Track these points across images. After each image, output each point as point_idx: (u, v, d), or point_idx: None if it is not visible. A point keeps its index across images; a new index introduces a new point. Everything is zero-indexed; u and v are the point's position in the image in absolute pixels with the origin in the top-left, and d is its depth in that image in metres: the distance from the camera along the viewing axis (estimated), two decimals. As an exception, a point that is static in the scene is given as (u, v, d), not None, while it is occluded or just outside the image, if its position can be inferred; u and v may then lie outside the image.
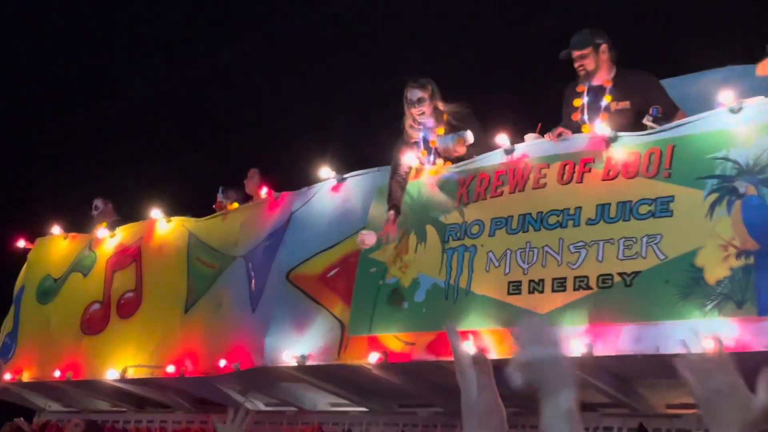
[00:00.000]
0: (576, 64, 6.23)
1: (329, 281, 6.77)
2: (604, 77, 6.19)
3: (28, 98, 11.59)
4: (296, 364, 6.69)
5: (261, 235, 7.56)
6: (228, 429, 4.33)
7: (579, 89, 6.27)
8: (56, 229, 9.67)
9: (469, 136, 6.34)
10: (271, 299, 7.10)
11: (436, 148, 6.55)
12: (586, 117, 6.15)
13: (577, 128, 6.03)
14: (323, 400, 8.11)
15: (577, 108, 6.24)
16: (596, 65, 6.16)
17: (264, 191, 7.67)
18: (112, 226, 9.56)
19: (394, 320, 6.20)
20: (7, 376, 9.12)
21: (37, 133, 11.38)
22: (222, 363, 7.17)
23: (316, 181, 7.36)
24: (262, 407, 8.58)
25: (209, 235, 8.15)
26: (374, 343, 6.27)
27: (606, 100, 6.12)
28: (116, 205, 10.20)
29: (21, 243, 10.09)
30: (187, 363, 7.67)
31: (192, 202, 8.90)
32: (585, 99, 6.22)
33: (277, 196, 7.66)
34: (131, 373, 8.14)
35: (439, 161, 6.53)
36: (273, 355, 6.87)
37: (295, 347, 6.72)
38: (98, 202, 10.07)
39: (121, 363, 8.22)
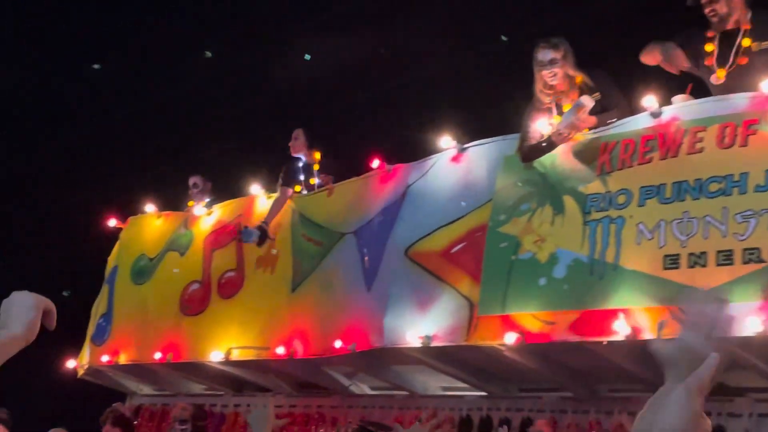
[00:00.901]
0: (706, 10, 5.74)
1: (454, 257, 6.37)
2: (739, 20, 5.71)
3: (118, 71, 11.35)
4: (420, 345, 6.31)
5: (373, 211, 7.19)
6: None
7: (710, 34, 5.80)
8: (150, 207, 9.40)
9: (586, 100, 5.87)
10: (389, 277, 6.72)
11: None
12: (715, 65, 5.73)
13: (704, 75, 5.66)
14: (435, 384, 7.74)
15: (709, 53, 5.77)
16: (729, 9, 5.68)
17: (376, 163, 7.27)
18: (210, 205, 9.29)
19: (531, 298, 5.78)
20: (104, 358, 8.90)
21: (126, 107, 11.12)
22: (338, 344, 6.81)
23: (433, 152, 6.95)
24: (368, 391, 8.25)
25: (314, 211, 7.80)
26: (508, 323, 5.86)
27: (745, 43, 5.65)
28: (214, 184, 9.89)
29: (112, 222, 9.85)
30: (297, 344, 7.35)
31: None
32: (716, 44, 5.77)
33: (389, 169, 7.27)
34: (236, 355, 7.84)
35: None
36: (393, 335, 6.50)
37: (419, 327, 6.35)
38: (197, 180, 9.74)
39: (225, 344, 7.93)
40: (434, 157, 6.90)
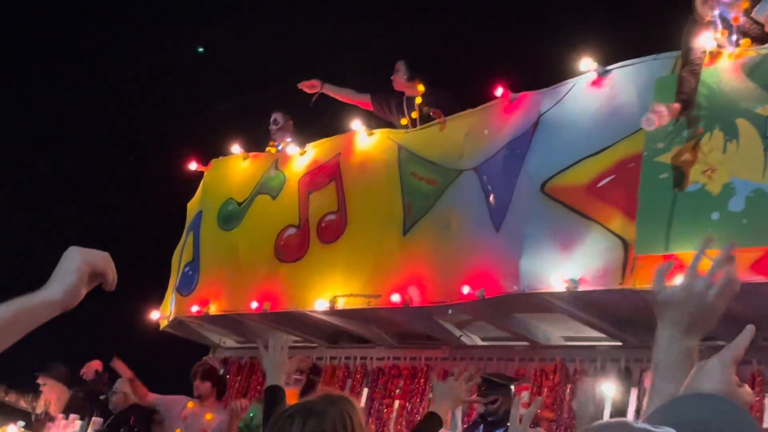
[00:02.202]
0: None
1: (601, 192, 5.71)
2: None
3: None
4: (564, 290, 5.68)
5: (497, 144, 6.52)
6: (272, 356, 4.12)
7: None
8: (236, 149, 8.80)
9: None
10: (522, 216, 6.08)
11: (739, 26, 5.36)
12: None
13: None
14: (557, 333, 7.15)
15: None
16: None
17: (499, 91, 6.59)
18: (295, 144, 8.70)
19: (701, 235, 5.10)
20: (194, 309, 8.39)
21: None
22: (465, 290, 6.20)
23: (567, 76, 6.26)
24: (479, 342, 7.67)
25: (425, 147, 7.15)
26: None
27: None
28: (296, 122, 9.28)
29: (193, 165, 9.29)
30: (412, 291, 6.75)
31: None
32: None
33: (513, 98, 6.59)
34: (341, 304, 7.27)
35: (744, 41, 5.35)
36: (531, 279, 5.88)
37: (562, 270, 5.71)
38: (278, 117, 9.12)
39: (329, 293, 7.35)
40: (570, 83, 6.21)
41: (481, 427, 6.01)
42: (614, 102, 5.84)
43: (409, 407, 7.52)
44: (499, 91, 6.58)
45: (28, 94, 11.29)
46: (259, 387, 8.84)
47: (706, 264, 1.72)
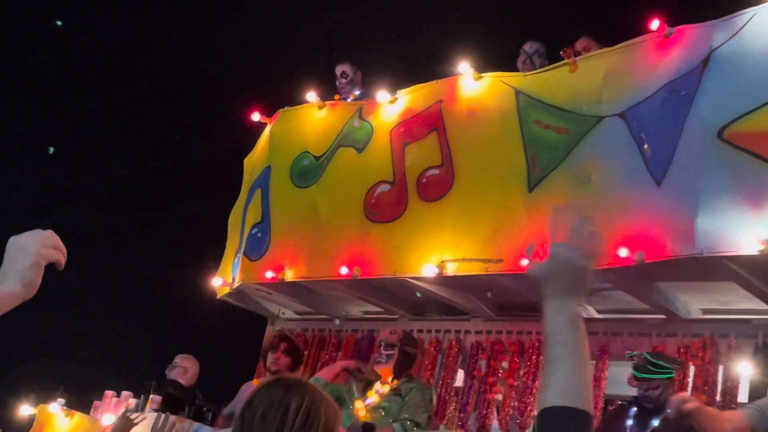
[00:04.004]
0: None
1: (801, 138, 4.82)
2: None
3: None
4: (757, 252, 4.80)
5: (651, 85, 5.62)
6: None
7: None
8: (311, 96, 7.85)
9: None
10: (694, 167, 5.19)
11: None
12: None
13: None
14: (696, 306, 6.30)
15: None
16: None
17: (655, 24, 5.67)
18: (360, 99, 7.82)
19: None
20: (268, 275, 7.47)
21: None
22: (623, 252, 5.32)
23: (742, 6, 5.35)
24: (594, 314, 6.81)
25: (551, 92, 6.24)
26: None
27: None
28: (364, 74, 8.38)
29: (256, 116, 8.35)
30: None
31: (502, 54, 6.96)
32: None
33: (669, 33, 5.68)
34: (451, 269, 6.37)
35: None
36: (711, 241, 4.99)
37: (754, 230, 4.83)
38: (346, 68, 8.27)
39: (434, 256, 6.45)
40: (748, 12, 5.30)
41: (633, 410, 5.15)
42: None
43: (520, 387, 6.67)
44: (654, 25, 5.66)
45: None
46: (330, 362, 7.98)
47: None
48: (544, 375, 1.63)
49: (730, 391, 5.81)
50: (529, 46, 7.11)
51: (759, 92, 5.02)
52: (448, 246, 6.41)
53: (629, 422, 5.18)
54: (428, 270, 6.38)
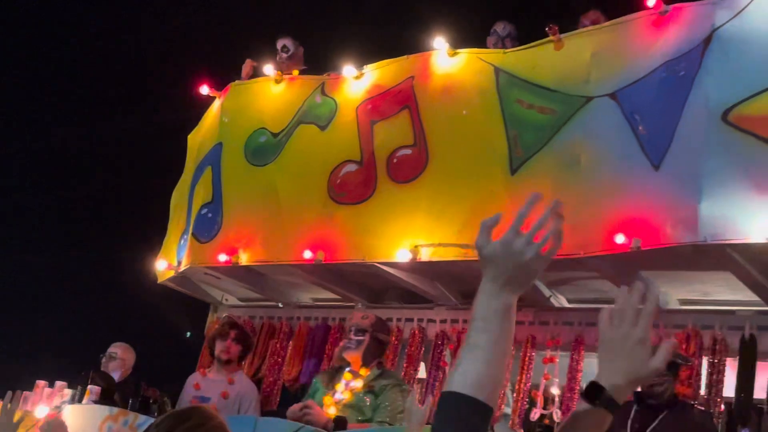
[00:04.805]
0: None
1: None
2: None
3: None
4: (765, 240, 4.59)
5: (646, 64, 5.37)
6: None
7: None
8: (268, 69, 7.38)
9: None
10: (696, 150, 4.96)
11: None
12: None
13: None
14: (674, 296, 6.13)
15: None
16: None
17: (651, 1, 5.42)
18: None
19: None
20: (222, 258, 6.98)
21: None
22: (619, 239, 5.06)
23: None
24: (565, 303, 6.59)
25: (534, 70, 5.95)
26: None
27: None
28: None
29: (204, 90, 7.84)
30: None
31: (478, 29, 6.62)
32: None
33: (665, 10, 5.43)
34: (426, 254, 6.02)
35: None
36: (716, 227, 4.77)
37: (761, 216, 4.62)
38: (287, 42, 7.69)
39: (406, 241, 6.10)
40: (753, -10, 5.09)
41: (635, 408, 4.84)
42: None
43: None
44: (651, 2, 5.40)
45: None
46: (282, 352, 7.57)
47: None
48: (458, 356, 1.55)
49: (715, 384, 5.63)
50: (501, 28, 6.72)
51: (765, 74, 4.81)
52: (422, 230, 6.06)
53: (631, 419, 4.89)
54: (402, 255, 6.01)
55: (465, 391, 1.48)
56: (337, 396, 4.89)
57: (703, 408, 5.11)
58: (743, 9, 5.03)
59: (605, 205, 5.26)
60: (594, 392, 1.53)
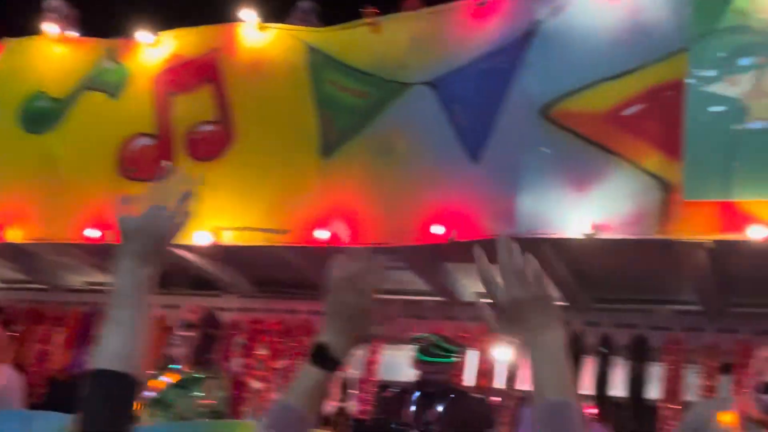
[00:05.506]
0: None
1: (627, 122, 4.76)
2: None
3: None
4: (583, 237, 4.66)
5: (465, 55, 5.32)
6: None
7: None
8: (52, 28, 6.66)
9: None
10: (515, 144, 4.97)
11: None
12: None
13: None
14: (472, 289, 6.15)
15: None
16: None
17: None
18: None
19: (772, 182, 4.35)
20: (-10, 233, 6.22)
21: None
22: (438, 229, 4.96)
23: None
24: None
25: (349, 51, 5.74)
26: (731, 212, 4.41)
27: None
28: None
29: (-30, 45, 6.97)
30: (340, 228, 5.36)
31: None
32: None
33: (483, 2, 5.40)
34: (229, 238, 5.66)
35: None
36: (532, 221, 4.79)
37: (577, 212, 4.69)
38: (58, 3, 6.90)
39: (206, 223, 5.68)
40: (573, -11, 5.17)
41: (416, 395, 4.71)
42: (639, 17, 4.89)
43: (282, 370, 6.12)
44: (462, -12, 5.35)
45: None
46: (51, 339, 6.91)
47: None
48: (100, 334, 1.55)
49: (511, 377, 5.71)
50: (306, 4, 6.49)
51: (586, 71, 4.89)
52: (225, 212, 5.67)
53: (412, 408, 4.78)
54: (201, 238, 5.60)
55: (114, 367, 1.48)
56: (145, 393, 4.42)
57: (478, 396, 5.06)
58: (564, 5, 5.08)
59: (422, 194, 5.15)
60: (320, 353, 1.55)
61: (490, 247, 4.03)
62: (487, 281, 1.47)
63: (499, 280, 1.47)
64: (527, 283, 1.44)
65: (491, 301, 1.47)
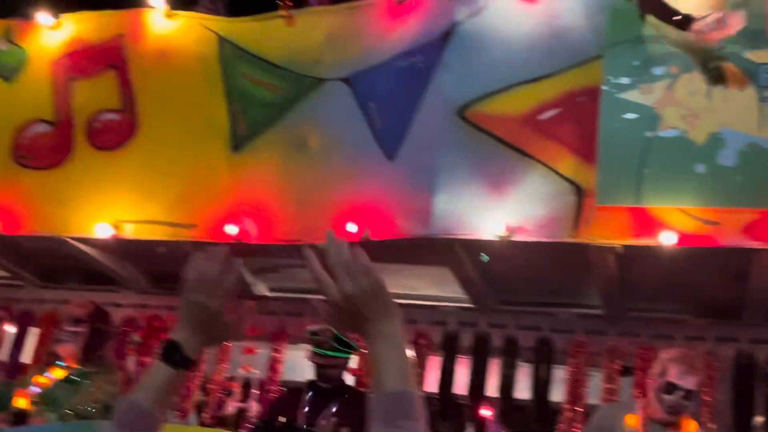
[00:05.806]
0: None
1: (543, 126, 4.79)
2: None
3: None
4: (497, 238, 4.66)
5: (382, 52, 5.26)
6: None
7: None
8: (-59, 5, 6.29)
9: None
10: (431, 144, 4.93)
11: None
12: None
13: None
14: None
15: None
16: None
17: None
18: None
19: (683, 188, 4.45)
20: None
21: None
22: (352, 228, 4.88)
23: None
24: (267, 293, 6.36)
25: (263, 44, 5.61)
26: (642, 218, 4.49)
27: None
28: None
29: None
30: (248, 224, 5.22)
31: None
32: None
33: (400, 0, 5.36)
34: (130, 232, 5.44)
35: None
36: (448, 222, 4.76)
37: (492, 214, 4.69)
38: None
39: (107, 215, 5.46)
40: (490, -10, 5.17)
41: (310, 394, 4.60)
42: (556, 23, 4.93)
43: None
44: (378, -16, 5.30)
45: None
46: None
47: None
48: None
49: (419, 379, 5.67)
50: None
51: (503, 74, 4.90)
52: (127, 204, 5.47)
53: (306, 408, 4.66)
54: (102, 230, 5.36)
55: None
56: (31, 389, 4.19)
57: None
58: (483, 7, 5.08)
59: (335, 192, 5.06)
60: (171, 351, 1.52)
61: (399, 246, 3.95)
62: (318, 280, 1.44)
63: (330, 277, 1.44)
64: (357, 277, 1.42)
65: (326, 298, 1.45)
